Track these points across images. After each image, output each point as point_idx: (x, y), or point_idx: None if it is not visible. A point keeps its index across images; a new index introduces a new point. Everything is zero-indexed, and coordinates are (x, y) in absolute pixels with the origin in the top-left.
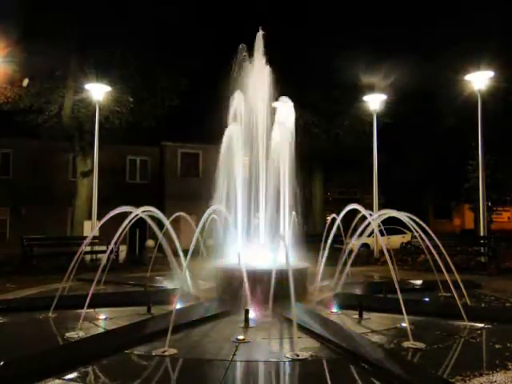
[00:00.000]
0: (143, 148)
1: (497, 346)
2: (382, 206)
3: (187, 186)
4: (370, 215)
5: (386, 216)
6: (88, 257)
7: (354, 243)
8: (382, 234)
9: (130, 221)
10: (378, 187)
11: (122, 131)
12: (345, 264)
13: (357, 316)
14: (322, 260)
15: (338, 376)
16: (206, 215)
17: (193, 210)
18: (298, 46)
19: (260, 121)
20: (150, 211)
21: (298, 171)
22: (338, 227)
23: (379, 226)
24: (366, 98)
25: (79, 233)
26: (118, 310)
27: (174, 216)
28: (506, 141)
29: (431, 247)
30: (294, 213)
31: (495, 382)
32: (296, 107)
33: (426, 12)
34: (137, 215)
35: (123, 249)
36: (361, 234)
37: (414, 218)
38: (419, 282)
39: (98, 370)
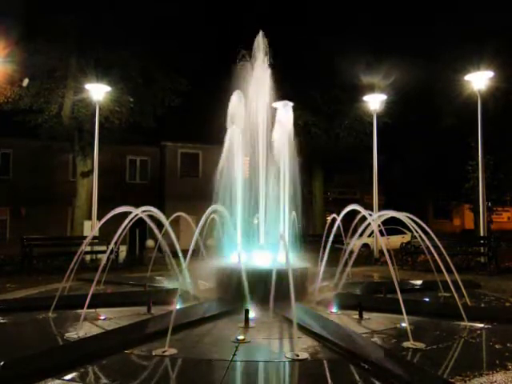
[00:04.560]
0: (143, 148)
1: (497, 346)
2: (382, 206)
3: (187, 186)
4: (370, 215)
5: (387, 216)
6: (88, 257)
7: (355, 243)
8: (382, 235)
9: (130, 221)
10: (378, 187)
11: (122, 131)
12: (345, 264)
13: (357, 316)
14: (322, 260)
15: (338, 376)
16: (205, 215)
17: (193, 209)
18: (299, 46)
19: (260, 121)
20: (149, 211)
21: (298, 171)
22: (338, 227)
23: (379, 226)
24: (366, 97)
25: (79, 233)
26: (117, 310)
27: (173, 216)
28: (506, 141)
29: (431, 247)
30: (293, 213)
31: (495, 382)
32: (296, 107)
33: (426, 12)
34: (137, 215)
35: (123, 249)
36: (361, 235)
37: (414, 218)
38: (419, 282)
39: (97, 370)
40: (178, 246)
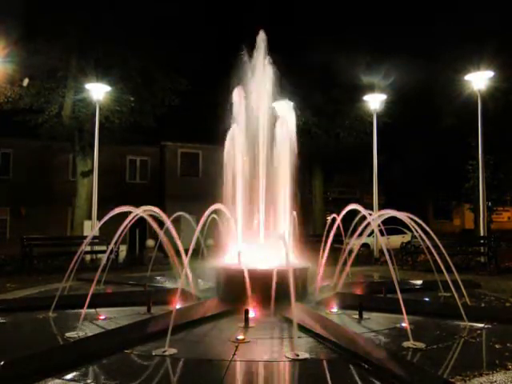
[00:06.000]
0: (143, 148)
1: (497, 346)
2: (382, 206)
3: (187, 186)
4: (370, 215)
5: (386, 216)
6: (88, 257)
7: (354, 243)
8: (382, 234)
9: (131, 221)
10: (378, 187)
11: (122, 131)
12: (345, 264)
13: (357, 316)
14: (322, 260)
15: (338, 376)
16: (206, 215)
17: (193, 209)
18: (298, 46)
19: (260, 121)
20: (150, 211)
21: (299, 171)
22: (338, 227)
23: (379, 226)
24: (366, 97)
25: (79, 233)
26: (117, 310)
27: (174, 216)
28: (506, 141)
29: (431, 247)
30: (294, 213)
31: (495, 382)
32: (296, 107)
33: (426, 12)
34: (137, 215)
35: (123, 249)
36: (361, 234)
37: (414, 217)
38: (419, 282)
39: (98, 369)
40: (179, 246)
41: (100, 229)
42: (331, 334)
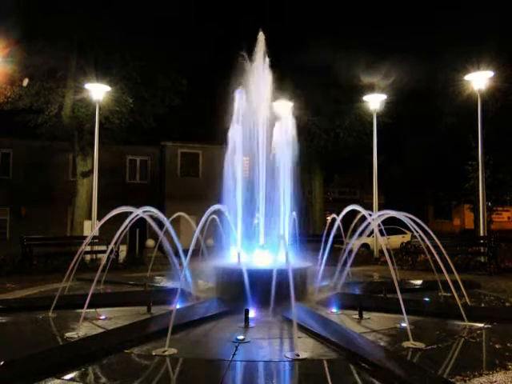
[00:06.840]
0: (143, 148)
1: (497, 346)
2: (381, 206)
3: (187, 186)
4: (370, 215)
5: (386, 216)
6: (88, 257)
7: (354, 243)
8: (382, 234)
9: (131, 221)
10: (377, 187)
11: (122, 131)
12: (345, 264)
13: (357, 316)
14: (322, 260)
15: (338, 376)
16: (206, 215)
17: (193, 209)
18: (299, 46)
19: (260, 121)
20: (150, 211)
21: (298, 171)
22: (338, 227)
23: (379, 226)
24: (366, 97)
25: (79, 233)
26: (117, 310)
27: (174, 216)
28: (506, 141)
29: (431, 247)
30: (293, 213)
31: (495, 382)
32: (296, 107)
33: (426, 12)
34: (137, 215)
35: (123, 249)
36: (361, 234)
37: (414, 218)
38: (419, 282)
39: (97, 369)
40: (179, 246)
41: (100, 229)
42: (331, 333)
